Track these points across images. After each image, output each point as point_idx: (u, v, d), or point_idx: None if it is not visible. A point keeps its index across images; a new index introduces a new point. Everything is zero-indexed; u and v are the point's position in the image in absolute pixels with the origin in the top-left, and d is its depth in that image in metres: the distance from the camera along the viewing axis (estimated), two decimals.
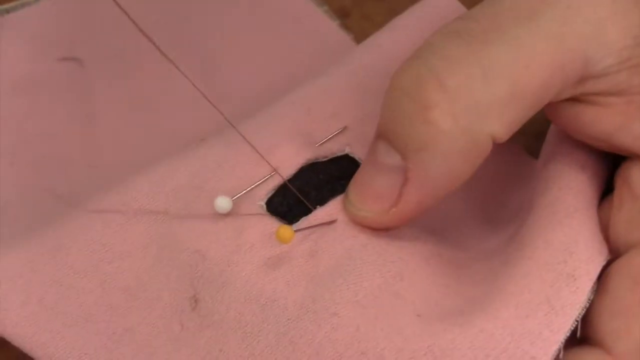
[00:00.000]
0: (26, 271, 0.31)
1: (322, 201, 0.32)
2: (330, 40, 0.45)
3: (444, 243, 0.33)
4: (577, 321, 0.28)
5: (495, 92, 0.28)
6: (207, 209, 0.32)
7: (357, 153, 0.34)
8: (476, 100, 0.28)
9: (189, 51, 0.44)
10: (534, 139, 0.36)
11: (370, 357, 0.28)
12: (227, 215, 0.32)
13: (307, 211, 0.32)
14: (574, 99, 0.30)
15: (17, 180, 0.39)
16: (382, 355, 0.28)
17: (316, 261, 0.31)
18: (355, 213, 0.31)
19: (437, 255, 0.32)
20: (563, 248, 0.29)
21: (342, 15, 0.46)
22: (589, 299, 0.29)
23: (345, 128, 0.35)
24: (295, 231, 0.30)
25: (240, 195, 0.32)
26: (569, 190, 0.31)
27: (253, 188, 0.32)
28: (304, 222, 0.32)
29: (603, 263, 0.29)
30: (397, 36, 0.38)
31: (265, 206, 0.32)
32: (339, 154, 0.34)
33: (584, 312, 0.28)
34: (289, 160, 0.33)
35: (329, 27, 0.46)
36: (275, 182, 0.33)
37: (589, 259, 0.29)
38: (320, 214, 0.32)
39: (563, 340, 0.28)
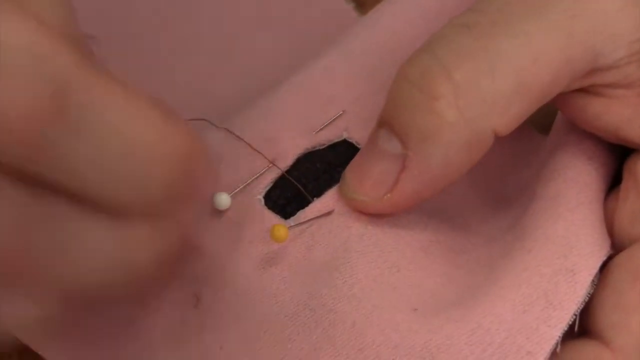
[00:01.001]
0: None
1: (319, 192, 0.32)
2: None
3: (445, 225, 0.33)
4: (575, 315, 0.28)
5: (502, 87, 0.28)
6: (206, 204, 0.32)
7: (355, 136, 0.34)
8: (482, 94, 0.28)
9: (202, 30, 0.44)
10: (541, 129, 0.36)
11: (368, 355, 0.28)
12: (226, 211, 0.32)
13: (305, 203, 0.32)
14: (583, 90, 0.30)
15: None
16: (379, 352, 0.28)
17: (313, 255, 0.31)
18: (351, 196, 0.31)
19: (435, 242, 0.32)
20: (563, 242, 0.29)
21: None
22: (589, 294, 0.28)
23: (342, 113, 0.34)
24: (290, 228, 0.30)
25: (238, 191, 0.32)
26: (574, 183, 0.30)
27: (250, 182, 0.32)
28: (301, 215, 0.32)
29: (604, 258, 0.29)
30: (395, 11, 0.37)
31: (263, 200, 0.32)
32: (337, 139, 0.34)
33: (582, 306, 0.28)
34: (286, 151, 0.33)
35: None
36: (273, 175, 0.33)
37: (590, 254, 0.29)
38: (317, 205, 0.32)
39: (561, 335, 0.28)
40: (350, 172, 0.31)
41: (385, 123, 0.30)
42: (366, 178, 0.30)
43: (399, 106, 0.29)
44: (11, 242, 0.23)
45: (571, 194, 0.30)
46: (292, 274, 0.30)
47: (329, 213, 0.31)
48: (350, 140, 0.34)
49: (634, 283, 0.28)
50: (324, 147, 0.33)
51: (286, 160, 0.33)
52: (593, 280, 0.29)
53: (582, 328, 0.28)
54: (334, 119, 0.34)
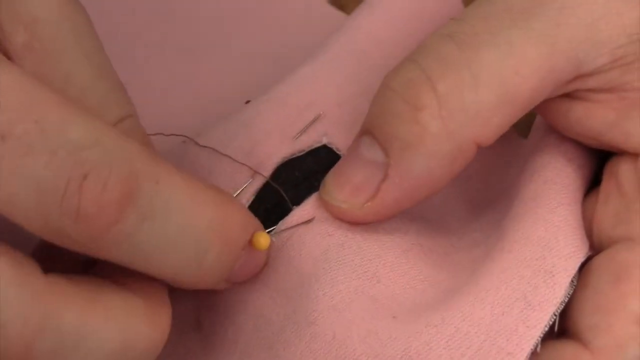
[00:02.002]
0: None
1: (298, 200, 0.32)
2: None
3: (426, 228, 0.33)
4: (555, 315, 0.28)
5: (485, 98, 0.28)
6: None
7: (335, 142, 0.34)
8: (465, 106, 0.28)
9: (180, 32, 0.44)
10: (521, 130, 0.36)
11: None
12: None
13: (284, 214, 0.32)
14: (566, 95, 0.30)
15: None
16: None
17: (295, 268, 0.31)
18: (331, 202, 0.31)
19: (417, 246, 0.32)
20: (543, 244, 0.29)
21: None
22: (568, 294, 0.28)
23: (319, 116, 0.34)
24: (271, 234, 0.30)
25: None
26: (553, 184, 0.30)
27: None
28: (282, 224, 0.32)
29: (583, 259, 0.29)
30: (374, 14, 0.37)
31: None
32: (316, 145, 0.34)
33: (562, 307, 0.28)
34: (265, 162, 0.33)
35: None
36: (254, 187, 0.33)
37: (568, 255, 0.29)
38: (297, 214, 0.32)
39: (541, 335, 0.27)
40: (332, 178, 0.31)
41: (368, 131, 0.30)
42: (347, 184, 0.30)
43: (382, 115, 0.29)
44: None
45: (551, 195, 0.30)
46: (278, 289, 0.30)
47: (309, 221, 0.31)
48: (330, 146, 0.34)
49: (615, 284, 0.28)
50: (303, 153, 0.33)
51: (265, 171, 0.33)
52: (572, 281, 0.29)
53: (562, 328, 0.28)
54: (312, 122, 0.34)
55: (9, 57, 0.27)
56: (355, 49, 0.36)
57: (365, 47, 0.36)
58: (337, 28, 0.38)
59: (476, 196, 0.35)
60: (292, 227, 0.31)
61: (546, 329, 0.28)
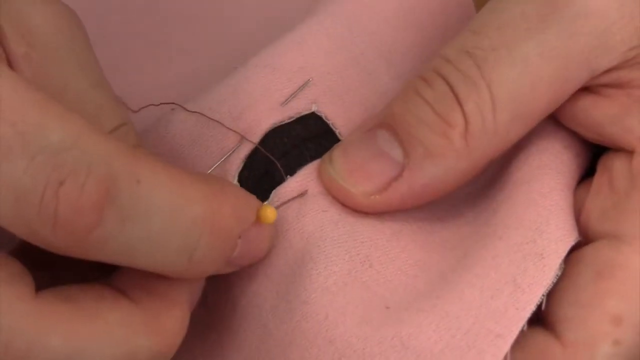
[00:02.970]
0: None
1: (289, 168, 0.32)
2: None
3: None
4: (543, 296, 0.28)
5: (502, 118, 0.29)
6: None
7: (325, 110, 0.33)
8: (485, 126, 0.29)
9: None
10: None
11: (338, 346, 0.28)
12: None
13: (275, 182, 0.32)
14: None
15: None
16: (350, 342, 0.28)
17: (289, 244, 0.31)
18: (339, 182, 0.31)
19: (407, 225, 0.32)
20: (534, 227, 0.29)
21: None
22: (557, 275, 0.29)
23: (309, 81, 0.33)
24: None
25: (211, 173, 0.32)
26: (548, 169, 0.31)
27: (220, 164, 0.32)
28: (275, 195, 0.31)
29: (573, 243, 0.29)
30: None
31: (238, 185, 0.32)
32: (305, 112, 0.33)
33: (551, 287, 0.28)
34: (254, 128, 0.32)
35: None
36: (243, 154, 0.32)
37: (559, 238, 0.29)
38: (291, 185, 0.31)
39: (528, 316, 0.28)
40: (342, 159, 0.31)
41: (390, 127, 0.30)
42: (359, 170, 0.31)
43: (410, 118, 0.30)
44: None
45: (545, 180, 0.30)
46: (272, 266, 0.30)
47: (302, 194, 0.31)
48: (319, 114, 0.33)
49: (596, 281, 0.28)
50: (292, 120, 0.33)
51: (254, 137, 0.32)
52: (561, 264, 0.29)
53: (536, 315, 0.29)
54: (302, 88, 0.33)
55: (11, 65, 0.26)
56: (346, 17, 0.35)
57: (356, 14, 0.35)
58: None
59: None
60: (286, 201, 0.31)
61: (534, 309, 0.28)
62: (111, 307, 0.25)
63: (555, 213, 0.29)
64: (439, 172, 0.30)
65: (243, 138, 0.32)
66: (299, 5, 0.36)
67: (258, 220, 0.29)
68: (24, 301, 0.24)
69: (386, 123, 0.31)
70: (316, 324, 0.29)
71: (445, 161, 0.30)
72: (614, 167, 0.30)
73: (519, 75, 0.29)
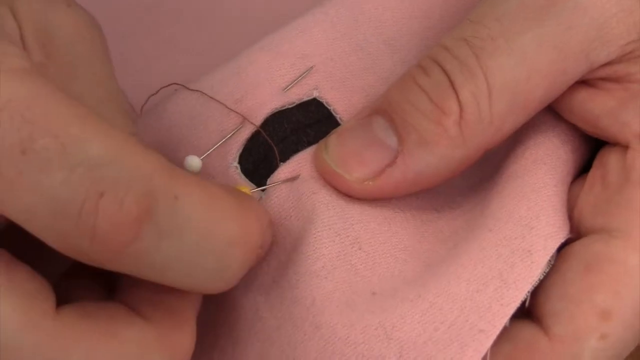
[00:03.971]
0: None
1: (286, 154, 0.32)
2: None
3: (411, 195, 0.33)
4: (528, 292, 0.29)
5: (497, 108, 0.29)
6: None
7: (326, 96, 0.33)
8: (481, 116, 0.29)
9: None
10: None
11: (324, 332, 0.29)
12: (197, 174, 0.32)
13: (272, 168, 0.32)
14: None
15: None
16: (335, 329, 0.29)
17: (284, 226, 0.31)
18: (333, 167, 0.31)
19: (400, 212, 0.32)
20: (524, 223, 0.29)
21: None
22: (544, 272, 0.29)
23: (311, 68, 0.33)
24: (253, 191, 0.31)
25: (210, 154, 0.32)
26: (542, 164, 0.30)
27: (220, 145, 0.32)
28: (270, 182, 0.32)
29: (562, 240, 0.29)
30: None
31: (239, 167, 0.32)
32: (307, 98, 0.33)
33: (537, 284, 0.29)
34: (255, 112, 0.32)
35: None
36: (243, 137, 0.32)
37: (548, 235, 0.29)
38: (284, 171, 0.32)
39: (513, 312, 0.28)
40: (337, 145, 0.31)
41: (386, 113, 0.30)
42: (353, 156, 0.31)
43: (406, 105, 0.30)
44: None
45: (538, 175, 0.30)
46: (271, 253, 0.31)
47: (294, 178, 0.31)
48: (320, 100, 0.33)
49: (585, 275, 0.28)
50: (293, 105, 0.33)
51: (255, 121, 0.32)
52: (550, 261, 0.29)
53: (522, 308, 0.29)
54: (304, 74, 0.33)
55: None
56: (349, 5, 0.35)
57: (360, 2, 0.35)
58: None
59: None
60: (275, 183, 0.31)
61: (518, 305, 0.28)
62: (126, 324, 0.25)
63: (546, 209, 0.29)
64: (433, 160, 0.30)
65: (245, 120, 0.32)
66: (304, 6, 0.36)
67: None
68: (47, 319, 0.24)
69: (382, 110, 0.31)
70: (304, 309, 0.29)
71: (439, 149, 0.30)
72: (609, 162, 0.30)
73: (516, 66, 0.29)
